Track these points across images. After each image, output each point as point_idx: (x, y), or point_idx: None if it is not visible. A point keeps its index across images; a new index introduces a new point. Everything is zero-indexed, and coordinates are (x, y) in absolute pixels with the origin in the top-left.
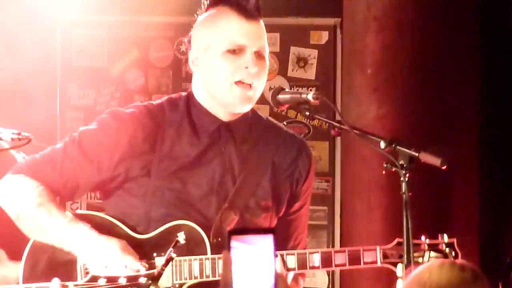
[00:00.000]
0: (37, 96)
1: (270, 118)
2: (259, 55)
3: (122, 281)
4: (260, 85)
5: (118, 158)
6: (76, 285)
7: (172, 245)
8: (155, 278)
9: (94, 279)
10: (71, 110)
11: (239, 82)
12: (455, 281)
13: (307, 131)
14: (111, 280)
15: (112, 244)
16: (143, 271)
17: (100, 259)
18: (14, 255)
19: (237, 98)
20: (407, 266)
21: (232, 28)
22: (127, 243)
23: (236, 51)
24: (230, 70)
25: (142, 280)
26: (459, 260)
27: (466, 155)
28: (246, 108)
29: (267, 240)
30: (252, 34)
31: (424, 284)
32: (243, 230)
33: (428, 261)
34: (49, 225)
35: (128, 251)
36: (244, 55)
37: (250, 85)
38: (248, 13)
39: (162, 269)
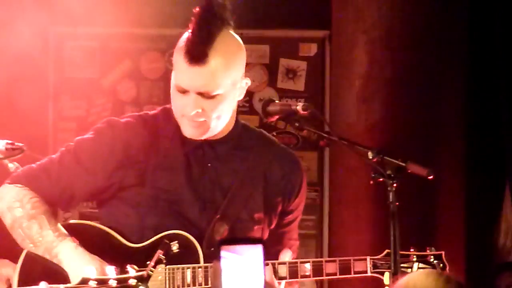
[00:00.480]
0: (29, 107)
1: (264, 132)
2: (205, 96)
3: (112, 283)
4: (215, 117)
5: (113, 166)
6: (68, 287)
7: (161, 247)
8: (144, 279)
9: (85, 281)
10: (63, 120)
11: (186, 116)
12: None
13: (296, 142)
14: (101, 282)
15: (93, 266)
16: (133, 273)
17: (83, 275)
18: (16, 258)
19: (185, 128)
20: (395, 275)
21: (178, 69)
22: (113, 257)
23: (182, 91)
24: (179, 105)
25: (132, 281)
26: (446, 272)
27: (452, 165)
28: (201, 136)
29: (257, 250)
30: (193, 78)
31: None
32: (232, 240)
33: (416, 271)
34: (39, 239)
35: (104, 273)
36: (189, 96)
37: (195, 121)
38: (192, 57)
39: (151, 270)
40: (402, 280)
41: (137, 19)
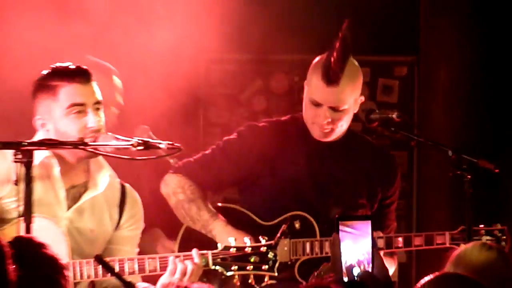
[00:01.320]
0: (185, 116)
1: (365, 136)
2: (334, 109)
3: (248, 250)
4: (340, 125)
5: (253, 160)
6: (214, 253)
7: (286, 223)
8: (272, 247)
9: (227, 248)
10: (211, 126)
11: (319, 124)
12: (481, 258)
13: (390, 143)
14: (240, 248)
15: (237, 236)
16: (263, 242)
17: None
18: (170, 235)
19: (316, 132)
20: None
21: (314, 87)
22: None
23: (316, 104)
24: (311, 114)
25: (263, 249)
26: (496, 245)
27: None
28: (327, 139)
29: (366, 224)
30: (328, 96)
31: (459, 258)
32: (348, 216)
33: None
34: (197, 218)
35: (243, 242)
36: (321, 108)
37: (325, 128)
38: (329, 80)
39: (278, 239)
40: (459, 250)
41: (266, 48)
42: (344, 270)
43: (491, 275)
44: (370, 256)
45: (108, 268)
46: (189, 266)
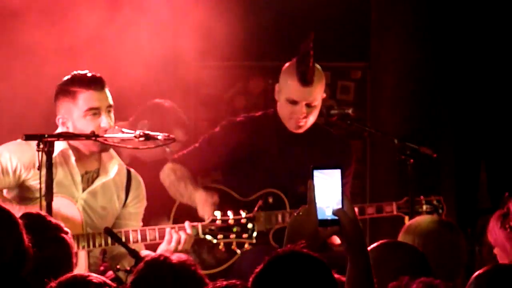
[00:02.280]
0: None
1: (327, 127)
2: (309, 105)
3: (231, 221)
4: (311, 119)
5: (230, 148)
6: (203, 225)
7: (262, 199)
8: (251, 219)
9: (214, 220)
10: (200, 121)
11: (295, 119)
12: (433, 227)
13: (346, 134)
14: (224, 221)
15: (219, 212)
16: (243, 215)
17: (210, 212)
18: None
19: (292, 126)
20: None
21: (290, 87)
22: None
23: (293, 102)
24: (288, 112)
25: (243, 220)
26: (442, 216)
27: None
28: (302, 131)
29: (337, 172)
30: (304, 94)
31: (412, 227)
32: (321, 165)
33: (425, 210)
34: (184, 192)
35: (226, 215)
36: (298, 105)
37: (300, 121)
38: (305, 81)
39: (256, 213)
40: (411, 221)
41: (245, 56)
42: (318, 210)
43: (437, 241)
44: (340, 198)
45: (115, 238)
46: (183, 236)
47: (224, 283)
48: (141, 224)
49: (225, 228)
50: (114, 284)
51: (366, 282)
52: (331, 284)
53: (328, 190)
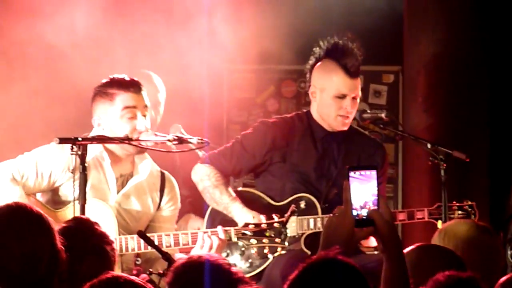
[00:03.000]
0: (212, 117)
1: (359, 128)
2: (354, 98)
3: (264, 226)
4: (353, 114)
5: (265, 150)
6: (236, 229)
7: (294, 205)
8: (283, 223)
9: (246, 224)
10: (232, 123)
11: (342, 116)
12: (472, 234)
13: (380, 138)
14: (257, 225)
15: (251, 216)
16: (276, 219)
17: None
18: (199, 214)
19: (339, 123)
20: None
21: (337, 82)
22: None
23: (342, 96)
24: (335, 108)
25: (276, 225)
26: (476, 220)
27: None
28: (344, 129)
29: (372, 172)
30: (352, 87)
31: (449, 234)
32: (356, 167)
33: (457, 217)
34: (220, 201)
35: (259, 220)
36: (345, 100)
37: (348, 116)
38: (352, 73)
39: (288, 217)
40: (445, 226)
41: (278, 59)
42: (354, 210)
43: (478, 248)
44: (376, 198)
45: (149, 242)
46: (215, 241)
47: None
48: (175, 226)
49: (258, 233)
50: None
51: (401, 282)
52: None
53: (363, 190)
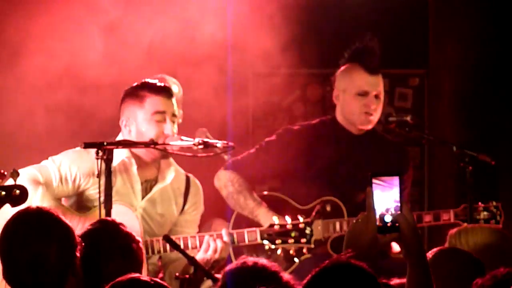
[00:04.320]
0: (237, 122)
1: (384, 133)
2: (377, 96)
3: (289, 226)
4: (378, 114)
5: (289, 158)
6: (261, 230)
7: (320, 206)
8: (309, 224)
9: (272, 225)
10: (258, 128)
11: (365, 113)
12: (492, 240)
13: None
14: (282, 226)
15: (277, 219)
16: (301, 220)
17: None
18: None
19: (363, 121)
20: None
21: (358, 80)
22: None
23: (364, 94)
24: (358, 106)
25: (301, 225)
26: (498, 227)
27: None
28: (369, 127)
29: (395, 179)
30: (374, 83)
31: (469, 242)
32: (379, 173)
33: (482, 218)
34: (245, 206)
35: (284, 221)
36: (368, 97)
37: (372, 114)
38: (373, 69)
39: (314, 217)
40: (460, 230)
41: (303, 63)
42: (377, 217)
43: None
44: (399, 205)
45: (174, 245)
46: (219, 244)
47: None
48: (197, 230)
49: (283, 233)
50: None
51: (425, 287)
52: None
53: (386, 197)
